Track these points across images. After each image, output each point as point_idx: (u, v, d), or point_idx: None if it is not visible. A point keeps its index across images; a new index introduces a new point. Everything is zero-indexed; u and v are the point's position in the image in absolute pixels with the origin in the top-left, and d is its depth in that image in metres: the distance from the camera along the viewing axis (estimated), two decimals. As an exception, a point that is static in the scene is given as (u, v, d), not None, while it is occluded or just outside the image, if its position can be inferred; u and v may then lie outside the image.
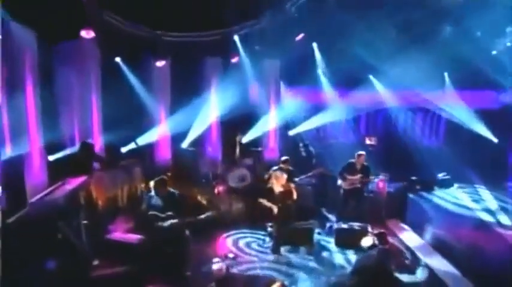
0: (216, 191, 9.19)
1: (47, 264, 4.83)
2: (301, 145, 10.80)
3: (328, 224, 8.54)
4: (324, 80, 11.32)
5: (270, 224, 7.72)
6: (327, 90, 11.35)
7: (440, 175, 10.30)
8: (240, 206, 8.97)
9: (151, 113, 10.18)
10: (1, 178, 5.30)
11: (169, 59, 9.90)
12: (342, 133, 11.87)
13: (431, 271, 6.71)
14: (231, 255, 7.21)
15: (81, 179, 6.20)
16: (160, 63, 9.78)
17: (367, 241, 7.13)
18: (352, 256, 7.20)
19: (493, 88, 11.29)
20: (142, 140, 9.84)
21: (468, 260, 6.76)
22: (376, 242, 6.94)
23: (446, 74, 11.47)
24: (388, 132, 11.89)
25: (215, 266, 6.14)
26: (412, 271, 6.65)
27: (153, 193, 6.69)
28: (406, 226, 8.85)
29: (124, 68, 9.64)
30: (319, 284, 6.34)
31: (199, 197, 8.91)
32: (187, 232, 6.45)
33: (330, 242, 7.86)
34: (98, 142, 8.96)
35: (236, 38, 9.86)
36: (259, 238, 8.01)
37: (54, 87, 8.23)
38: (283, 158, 8.62)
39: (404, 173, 9.93)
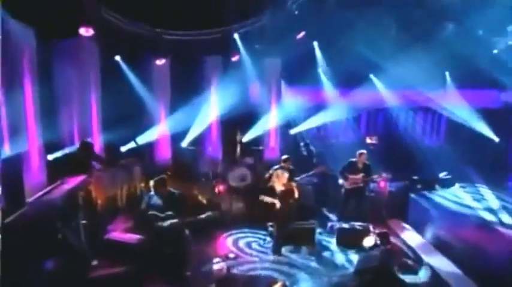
0: (216, 190, 9.15)
1: (45, 264, 4.78)
2: (302, 144, 10.76)
3: (329, 224, 8.50)
4: (324, 79, 11.28)
5: (270, 223, 7.67)
6: (328, 89, 11.30)
7: (442, 175, 10.27)
8: (241, 205, 8.94)
9: (151, 112, 10.13)
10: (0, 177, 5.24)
11: (169, 58, 9.84)
12: (342, 132, 11.85)
13: (433, 271, 6.66)
14: (231, 255, 7.16)
15: (80, 178, 6.14)
16: (160, 62, 9.72)
17: (369, 241, 7.14)
18: (354, 256, 7.15)
19: (494, 87, 11.29)
20: (142, 139, 9.81)
21: (470, 259, 6.74)
22: (378, 242, 6.95)
23: (447, 73, 11.43)
24: (388, 131, 11.87)
25: (215, 267, 6.12)
26: (414, 272, 6.59)
27: (152, 192, 6.65)
28: (407, 226, 8.81)
29: (124, 66, 9.59)
30: (321, 284, 6.28)
31: (199, 197, 8.87)
32: (187, 232, 6.41)
33: (331, 242, 7.81)
34: (98, 141, 8.92)
35: (236, 36, 9.78)
36: (260, 238, 7.95)
37: (53, 85, 8.18)
38: (284, 156, 8.57)
39: (405, 173, 9.90)
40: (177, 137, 10.33)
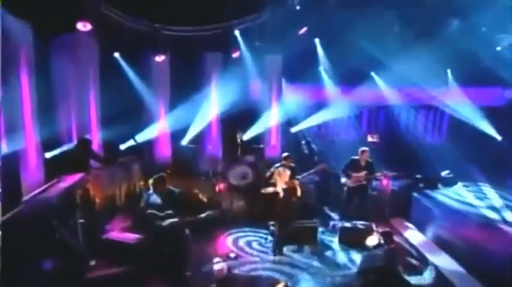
0: (216, 189, 9.06)
1: (41, 264, 4.68)
2: (303, 142, 10.69)
3: (331, 223, 8.40)
4: (325, 77, 11.22)
5: (272, 222, 7.57)
6: (329, 86, 11.27)
7: (444, 173, 10.19)
8: (241, 204, 8.85)
9: (150, 109, 10.12)
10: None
11: (168, 54, 9.82)
12: (344, 130, 11.83)
13: (437, 271, 6.61)
14: (232, 255, 7.06)
15: (77, 176, 6.03)
16: (159, 58, 9.68)
17: (372, 240, 7.03)
18: (356, 256, 7.06)
19: (497, 84, 11.22)
20: (142, 136, 9.79)
21: (473, 258, 6.69)
22: (382, 241, 6.85)
23: (449, 71, 11.35)
24: (390, 129, 11.85)
25: (216, 267, 6.02)
26: (419, 272, 6.53)
27: (151, 190, 6.55)
28: (410, 225, 8.74)
29: (122, 63, 9.55)
30: (323, 285, 6.18)
31: (199, 195, 8.76)
32: (187, 231, 6.31)
33: (333, 241, 7.73)
34: (96, 139, 8.85)
35: (237, 32, 9.71)
36: (261, 237, 7.86)
37: (51, 82, 8.13)
38: (285, 154, 8.50)
39: (407, 171, 9.81)
40: (176, 135, 10.32)
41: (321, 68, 11.17)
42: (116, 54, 9.48)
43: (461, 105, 11.32)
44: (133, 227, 6.64)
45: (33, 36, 7.27)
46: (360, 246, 7.21)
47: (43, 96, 7.61)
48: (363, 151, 8.35)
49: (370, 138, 11.55)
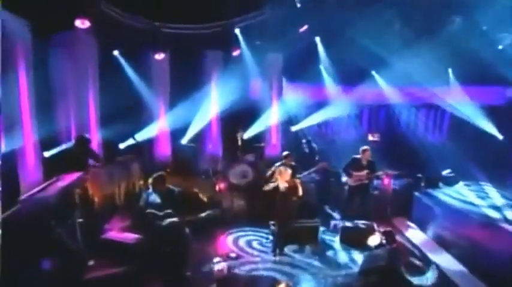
0: (217, 188, 9.01)
1: (39, 264, 4.63)
2: (304, 141, 10.64)
3: (332, 222, 8.36)
4: (326, 75, 11.19)
5: (272, 222, 7.52)
6: (330, 85, 11.23)
7: (445, 172, 10.17)
8: (242, 203, 8.81)
9: (150, 107, 10.09)
10: None
11: (168, 52, 9.79)
12: (344, 129, 11.82)
13: (439, 270, 6.58)
14: (232, 255, 7.02)
15: (76, 175, 5.99)
16: (159, 56, 9.64)
17: (374, 240, 6.98)
18: (358, 256, 7.02)
19: (498, 83, 11.20)
20: (141, 135, 9.76)
21: (475, 257, 6.68)
22: (384, 241, 6.79)
23: (450, 70, 11.32)
24: (391, 128, 11.82)
25: (216, 267, 5.98)
26: (421, 272, 6.50)
27: (151, 190, 6.49)
28: (412, 224, 8.72)
29: (122, 61, 9.51)
30: (325, 285, 6.14)
31: (199, 194, 8.70)
32: (186, 231, 6.25)
33: (335, 241, 7.69)
34: (95, 138, 8.80)
35: (237, 30, 9.66)
36: (261, 236, 7.81)
37: (49, 80, 8.08)
38: (285, 153, 8.46)
39: (408, 170, 9.78)
40: (176, 134, 10.28)
41: (322, 67, 11.14)
42: (116, 52, 9.44)
43: (462, 104, 11.30)
44: (132, 226, 6.62)
45: (32, 34, 7.22)
46: (362, 246, 7.17)
47: (42, 95, 7.57)
48: (364, 150, 8.31)
49: (370, 137, 11.54)
